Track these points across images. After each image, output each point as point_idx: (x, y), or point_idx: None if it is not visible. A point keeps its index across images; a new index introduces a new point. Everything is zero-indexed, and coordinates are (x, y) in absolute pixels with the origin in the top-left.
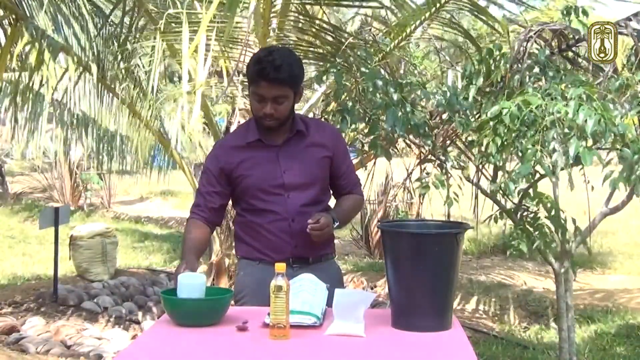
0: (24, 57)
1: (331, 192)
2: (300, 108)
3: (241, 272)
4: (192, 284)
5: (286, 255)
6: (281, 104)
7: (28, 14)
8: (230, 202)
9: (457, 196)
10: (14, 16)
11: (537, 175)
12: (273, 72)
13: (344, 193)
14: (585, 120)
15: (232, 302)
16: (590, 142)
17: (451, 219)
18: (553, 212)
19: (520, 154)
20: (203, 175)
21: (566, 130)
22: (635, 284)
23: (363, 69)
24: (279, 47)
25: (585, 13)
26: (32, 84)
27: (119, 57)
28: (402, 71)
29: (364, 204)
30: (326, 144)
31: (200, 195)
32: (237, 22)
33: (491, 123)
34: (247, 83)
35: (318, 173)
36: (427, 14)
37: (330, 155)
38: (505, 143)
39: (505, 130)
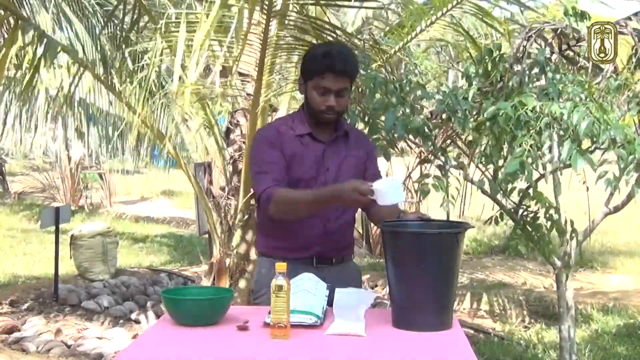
0: (23, 56)
1: None
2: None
3: (262, 270)
4: (391, 187)
5: (311, 254)
6: (342, 97)
7: (29, 14)
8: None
9: (454, 198)
10: (14, 16)
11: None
12: (341, 65)
13: None
14: (579, 122)
15: (250, 300)
16: (587, 143)
17: (452, 219)
18: (552, 213)
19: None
20: (263, 149)
21: (561, 132)
22: (636, 284)
23: (363, 70)
24: (337, 42)
25: (585, 17)
26: (33, 84)
27: (121, 56)
28: (402, 71)
29: None
30: (361, 148)
31: (271, 171)
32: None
33: (488, 124)
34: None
35: (355, 175)
36: (433, 18)
37: (364, 160)
38: (499, 143)
39: (500, 131)
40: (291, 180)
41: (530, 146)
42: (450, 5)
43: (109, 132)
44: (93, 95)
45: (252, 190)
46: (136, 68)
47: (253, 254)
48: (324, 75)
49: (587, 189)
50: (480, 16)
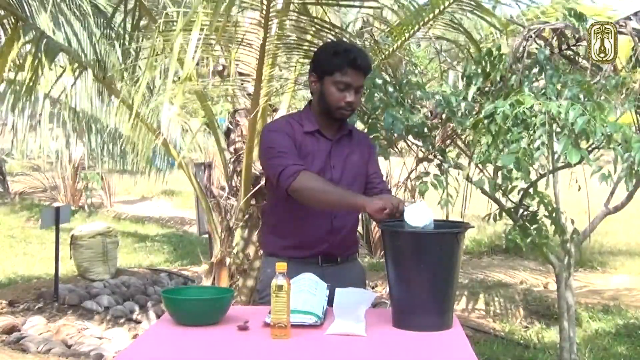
0: (24, 57)
1: None
2: (301, 107)
3: (268, 270)
4: (421, 213)
5: (318, 252)
6: (359, 93)
7: (28, 14)
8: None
9: (452, 197)
10: (14, 17)
11: (536, 175)
12: (364, 61)
13: (374, 193)
14: (575, 120)
15: (256, 298)
16: (585, 144)
17: (452, 218)
18: (552, 212)
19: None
20: (278, 138)
21: (558, 129)
22: (636, 284)
23: None
24: (349, 42)
25: (583, 19)
26: (32, 84)
27: (121, 56)
28: (402, 71)
29: None
30: (364, 148)
31: (290, 154)
32: (235, 22)
33: (485, 121)
34: (309, 74)
35: (358, 175)
36: (431, 15)
37: (367, 159)
38: (495, 141)
39: (497, 129)
40: None
41: (527, 144)
42: (447, 2)
43: (110, 132)
44: (93, 95)
45: (251, 190)
46: (136, 67)
47: (253, 254)
48: (346, 70)
49: (579, 188)
50: (478, 13)
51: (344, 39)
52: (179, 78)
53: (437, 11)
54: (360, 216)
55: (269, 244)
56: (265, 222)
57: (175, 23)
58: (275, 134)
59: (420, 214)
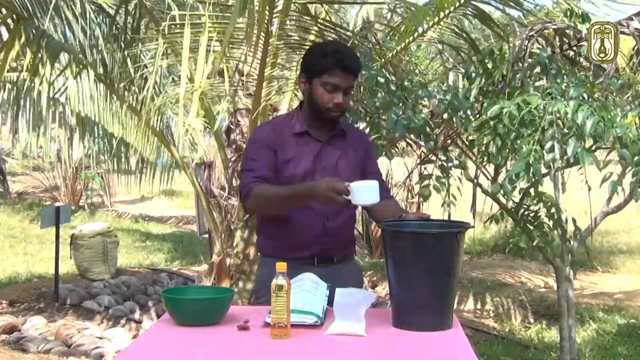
0: (25, 57)
1: None
2: None
3: (265, 270)
4: (368, 187)
5: (313, 253)
6: (348, 94)
7: (31, 15)
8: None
9: (456, 198)
10: (14, 17)
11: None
12: (352, 62)
13: None
14: (584, 121)
15: (253, 300)
16: (590, 142)
17: (452, 219)
18: (553, 212)
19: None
20: (253, 148)
21: (565, 130)
22: (637, 284)
23: (365, 70)
24: (336, 41)
25: (586, 19)
26: (33, 85)
27: (123, 58)
28: (403, 70)
29: None
30: (360, 147)
31: (254, 168)
32: (238, 22)
33: (491, 123)
34: (299, 76)
35: (352, 174)
36: (436, 19)
37: (362, 158)
38: (504, 143)
39: (505, 130)
40: (287, 179)
41: (535, 145)
42: (452, 8)
43: (110, 133)
44: (94, 96)
45: None
46: (137, 69)
47: (253, 254)
48: (334, 72)
49: (590, 189)
50: (482, 18)
51: (345, 39)
52: (188, 79)
53: (442, 15)
54: (361, 216)
55: (263, 246)
56: (259, 225)
57: (177, 25)
58: (250, 144)
59: (366, 191)
